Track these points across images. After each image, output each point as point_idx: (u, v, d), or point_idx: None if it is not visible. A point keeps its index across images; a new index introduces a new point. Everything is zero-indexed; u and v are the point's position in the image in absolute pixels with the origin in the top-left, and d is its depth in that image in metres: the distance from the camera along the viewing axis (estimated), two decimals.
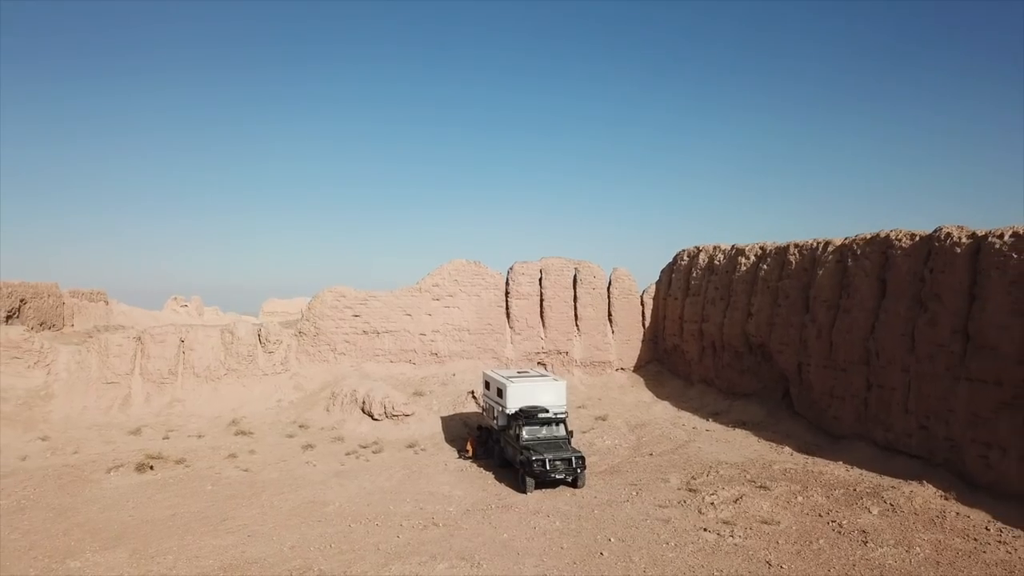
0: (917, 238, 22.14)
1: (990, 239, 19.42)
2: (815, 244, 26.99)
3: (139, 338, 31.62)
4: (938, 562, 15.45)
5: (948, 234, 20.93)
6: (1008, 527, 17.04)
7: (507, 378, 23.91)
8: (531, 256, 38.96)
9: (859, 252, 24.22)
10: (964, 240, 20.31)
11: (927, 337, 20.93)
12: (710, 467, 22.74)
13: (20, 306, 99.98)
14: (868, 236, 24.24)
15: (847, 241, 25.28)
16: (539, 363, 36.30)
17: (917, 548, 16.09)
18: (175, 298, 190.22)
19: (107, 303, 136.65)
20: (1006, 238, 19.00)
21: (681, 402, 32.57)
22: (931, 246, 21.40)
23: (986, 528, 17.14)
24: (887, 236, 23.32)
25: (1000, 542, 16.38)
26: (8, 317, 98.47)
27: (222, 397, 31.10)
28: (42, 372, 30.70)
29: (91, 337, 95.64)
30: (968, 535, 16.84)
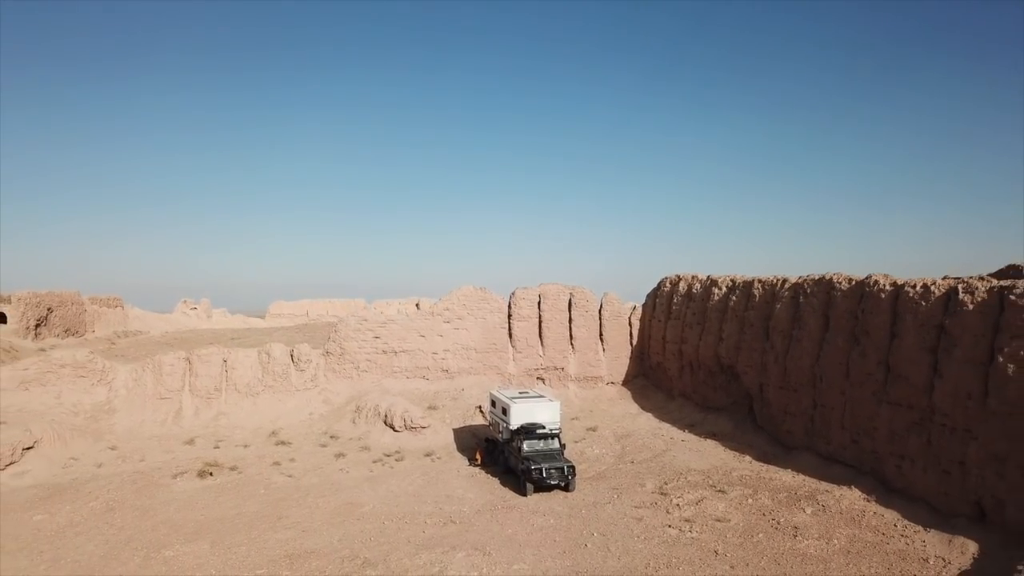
0: (853, 282, 26.14)
1: (906, 288, 23.43)
2: (775, 281, 30.99)
3: (188, 359, 35.61)
4: (848, 551, 19.46)
5: (876, 281, 24.94)
6: (912, 524, 21.01)
7: (511, 399, 27.93)
8: (528, 277, 42.94)
9: (809, 291, 28.24)
10: (887, 287, 24.31)
11: (858, 366, 24.94)
12: (681, 474, 26.76)
13: (47, 315, 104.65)
14: (816, 277, 28.26)
15: (800, 280, 29.29)
16: (538, 378, 40.34)
17: (835, 540, 20.11)
18: (184, 301, 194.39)
19: (122, 308, 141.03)
20: (917, 288, 23.01)
21: (663, 414, 36.58)
22: (863, 290, 25.39)
23: (894, 525, 21.13)
24: (831, 279, 27.33)
25: (902, 536, 20.38)
26: (37, 325, 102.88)
27: (261, 411, 35.13)
28: (104, 389, 34.71)
29: (113, 344, 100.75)
30: (878, 530, 20.84)
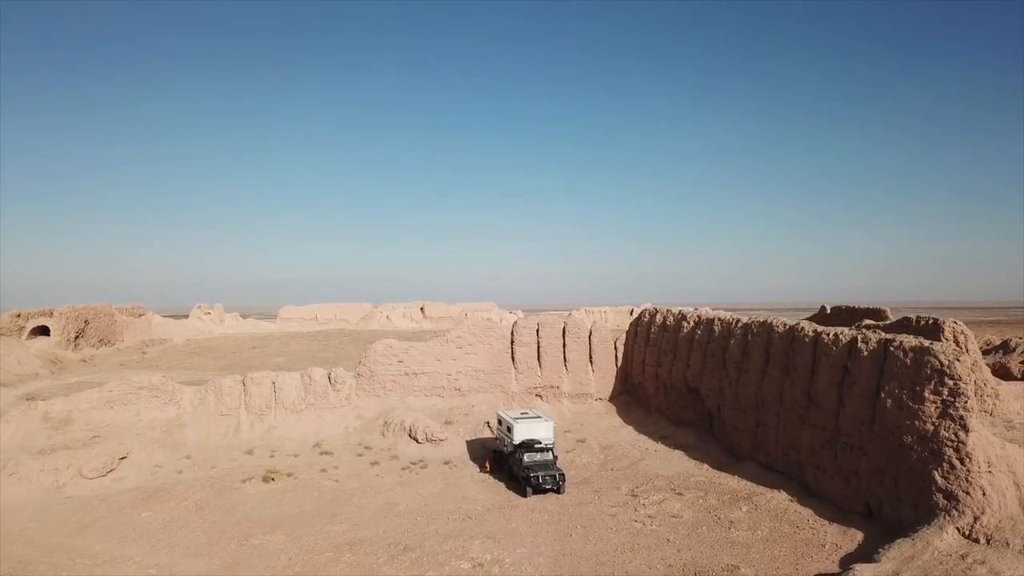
0: (787, 327, 32.12)
1: (823, 335, 29.41)
2: (731, 320, 36.95)
3: (243, 381, 41.59)
4: (768, 539, 25.40)
5: (802, 327, 30.91)
6: (821, 519, 26.88)
7: (514, 419, 33.88)
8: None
9: (755, 331, 34.21)
10: (810, 333, 30.28)
11: (789, 395, 30.91)
12: (650, 479, 32.73)
13: (84, 327, 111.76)
14: (761, 321, 34.22)
15: (749, 321, 35.25)
16: (537, 395, 46.28)
17: (759, 531, 26.07)
18: (199, 306, 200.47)
19: (145, 316, 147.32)
20: (830, 336, 28.98)
21: (641, 427, 42.53)
22: (794, 334, 31.37)
23: (807, 520, 27.04)
24: (771, 323, 33.30)
25: (811, 528, 26.30)
26: (76, 336, 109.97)
27: (305, 425, 41.08)
28: (174, 407, 40.67)
29: (145, 354, 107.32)
30: (794, 524, 26.77)
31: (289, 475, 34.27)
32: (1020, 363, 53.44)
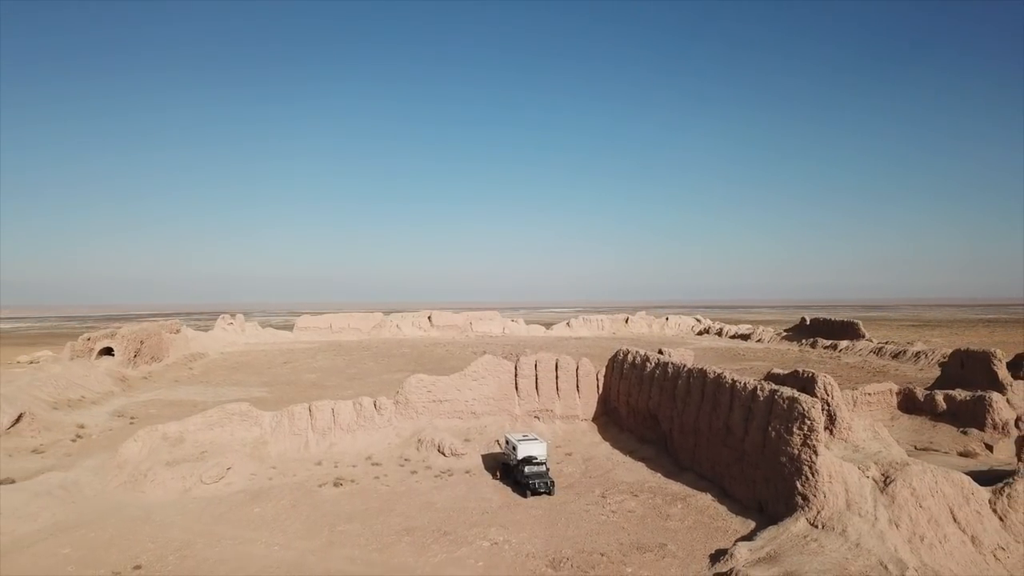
0: (715, 374, 42.97)
1: (736, 384, 40.25)
2: (680, 364, 47.79)
3: (309, 408, 52.41)
4: (691, 527, 36.15)
5: (724, 376, 41.75)
6: (731, 513, 37.60)
7: (518, 440, 44.65)
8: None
9: (695, 375, 45.06)
10: (729, 381, 41.13)
11: (715, 425, 41.75)
12: (616, 484, 43.50)
13: (140, 346, 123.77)
14: (699, 368, 45.08)
15: (691, 368, 46.08)
16: (535, 416, 57.06)
17: (686, 521, 36.84)
18: (222, 316, 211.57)
19: (181, 332, 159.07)
20: (741, 384, 39.83)
21: (616, 443, 53.32)
22: (719, 380, 42.21)
23: (722, 514, 37.74)
24: (705, 370, 44.15)
25: (723, 519, 37.01)
26: (135, 355, 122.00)
27: (357, 442, 51.87)
28: (258, 428, 51.45)
29: (191, 369, 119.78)
30: (712, 517, 37.49)
31: (352, 481, 45.08)
32: (924, 389, 64.22)
